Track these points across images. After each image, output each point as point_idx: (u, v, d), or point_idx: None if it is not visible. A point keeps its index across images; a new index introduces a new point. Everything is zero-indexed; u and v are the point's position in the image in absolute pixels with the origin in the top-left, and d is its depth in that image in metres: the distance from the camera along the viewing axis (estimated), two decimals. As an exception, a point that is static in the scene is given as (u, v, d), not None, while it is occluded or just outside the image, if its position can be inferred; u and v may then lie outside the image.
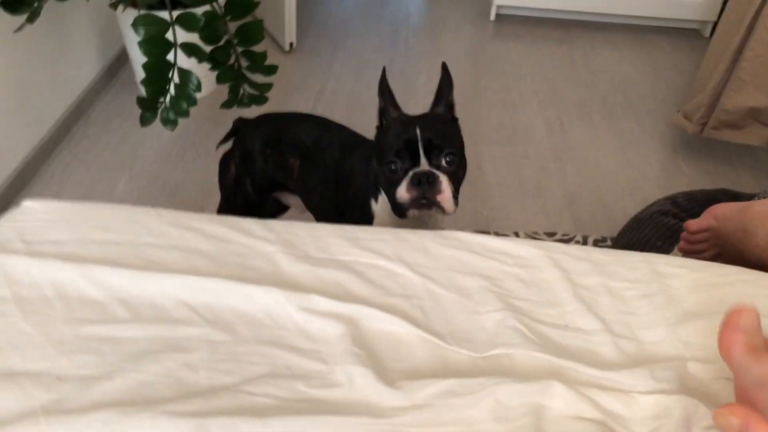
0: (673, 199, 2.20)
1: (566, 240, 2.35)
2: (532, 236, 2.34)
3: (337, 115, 1.48)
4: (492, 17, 4.04)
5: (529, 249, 1.06)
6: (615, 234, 2.24)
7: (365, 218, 1.47)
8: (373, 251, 1.05)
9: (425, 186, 1.26)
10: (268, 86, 2.49)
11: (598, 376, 0.85)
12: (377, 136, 1.36)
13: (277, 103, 3.02)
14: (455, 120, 1.42)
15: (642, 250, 2.00)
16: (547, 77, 3.48)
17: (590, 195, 2.62)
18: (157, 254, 1.00)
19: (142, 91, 2.21)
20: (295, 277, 0.98)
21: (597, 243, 2.35)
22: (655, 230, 2.08)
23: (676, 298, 0.98)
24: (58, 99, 2.67)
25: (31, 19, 2.03)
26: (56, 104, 2.65)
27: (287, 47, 3.45)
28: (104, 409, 0.77)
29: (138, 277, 0.94)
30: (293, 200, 1.75)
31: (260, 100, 2.50)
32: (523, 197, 2.57)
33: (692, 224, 1.38)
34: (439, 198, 1.26)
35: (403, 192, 1.27)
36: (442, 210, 1.29)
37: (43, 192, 2.42)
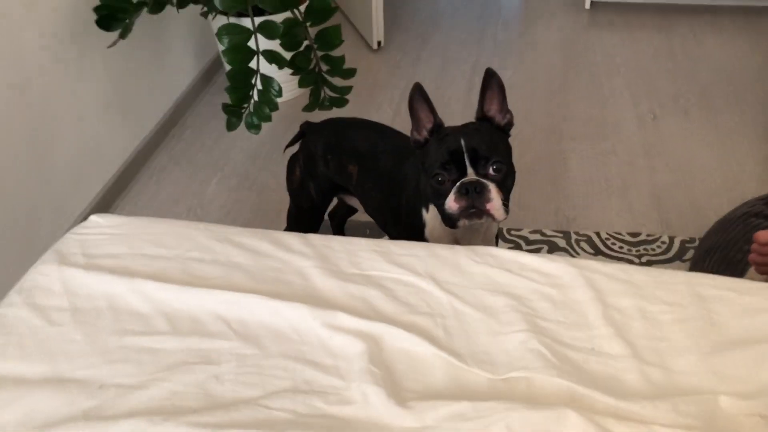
0: (767, 199, 2.06)
1: (651, 241, 2.25)
2: (615, 236, 2.25)
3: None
4: (587, 5, 3.89)
5: (563, 267, 1.04)
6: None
7: (417, 225, 1.48)
8: (404, 267, 1.06)
9: (473, 195, 1.25)
10: (348, 89, 2.53)
11: (617, 406, 0.83)
12: (422, 150, 1.38)
13: (363, 101, 3.07)
14: (509, 125, 1.39)
15: (728, 254, 1.88)
16: (642, 68, 3.32)
17: (681, 193, 2.49)
18: (200, 269, 1.06)
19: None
20: (325, 292, 1.02)
21: (684, 244, 2.24)
22: (743, 232, 1.95)
23: (716, 325, 0.93)
24: (157, 105, 2.84)
25: (123, 35, 2.18)
26: (155, 109, 2.83)
27: (375, 46, 3.49)
28: (136, 417, 0.84)
29: (181, 292, 1.01)
30: (355, 201, 1.80)
31: (341, 102, 2.55)
32: (608, 195, 2.48)
33: (762, 235, 1.30)
34: (489, 206, 1.26)
35: (451, 203, 1.27)
36: (492, 218, 1.29)
37: (143, 192, 2.60)
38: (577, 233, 2.28)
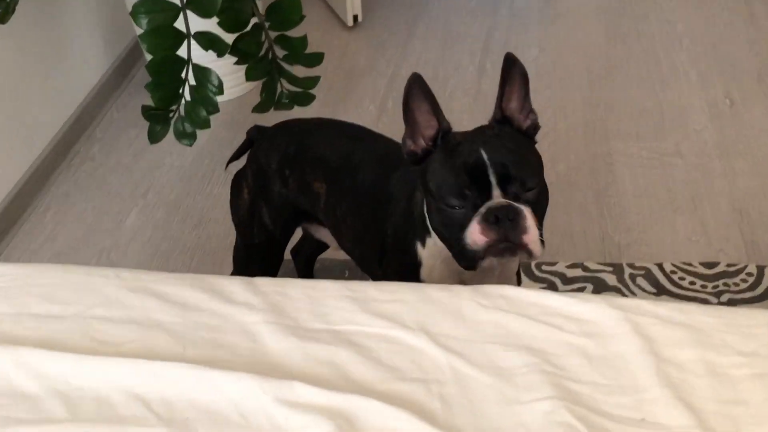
0: None
1: (732, 273, 2.27)
2: (683, 268, 2.28)
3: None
4: (635, -42, 3.97)
5: (601, 309, 1.06)
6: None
7: (409, 264, 1.50)
8: (387, 317, 1.08)
9: (506, 225, 1.27)
10: (314, 80, 2.55)
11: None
12: (422, 165, 1.40)
13: (336, 96, 3.11)
14: (534, 128, 1.42)
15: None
16: (713, 39, 3.37)
17: (772, 205, 2.53)
18: (108, 331, 1.08)
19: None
20: (279, 356, 1.03)
21: (779, 276, 2.26)
22: None
23: (810, 379, 0.95)
24: (54, 112, 2.85)
25: (2, 19, 2.20)
26: (51, 119, 2.84)
27: (350, 21, 3.54)
28: None
29: (81, 363, 1.03)
30: (326, 234, 1.83)
31: (304, 98, 2.57)
32: (673, 213, 2.51)
33: None
34: (526, 239, 1.27)
35: (477, 235, 1.27)
36: (529, 254, 1.30)
37: (36, 231, 2.60)
38: (631, 266, 2.30)
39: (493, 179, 1.29)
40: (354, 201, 1.63)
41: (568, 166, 2.73)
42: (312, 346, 1.05)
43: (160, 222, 2.62)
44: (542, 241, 1.31)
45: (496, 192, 1.29)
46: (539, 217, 1.33)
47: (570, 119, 2.96)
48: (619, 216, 2.55)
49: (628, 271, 2.28)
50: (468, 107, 3.02)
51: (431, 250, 1.46)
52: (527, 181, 1.31)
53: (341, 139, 1.71)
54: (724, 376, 0.97)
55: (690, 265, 2.32)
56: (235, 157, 1.84)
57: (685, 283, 2.24)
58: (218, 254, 2.40)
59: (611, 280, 2.25)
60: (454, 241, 1.33)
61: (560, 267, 2.31)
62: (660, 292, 2.21)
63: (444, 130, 1.39)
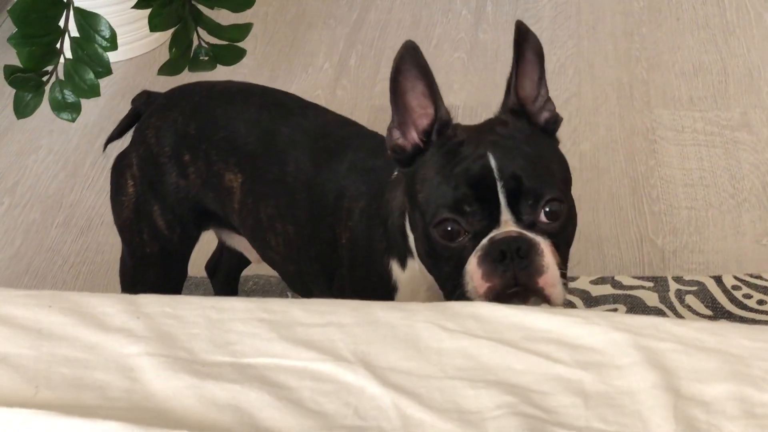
0: None
1: (817, 288, 2.29)
2: (750, 282, 2.29)
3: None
4: None
5: (603, 332, 1.07)
6: None
7: (379, 290, 1.52)
8: (316, 347, 1.09)
9: (515, 263, 1.32)
10: (244, 29, 2.55)
11: None
12: (411, 167, 1.43)
13: (281, 47, 3.10)
14: (553, 122, 1.47)
15: None
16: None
17: None
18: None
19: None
20: (165, 400, 1.04)
21: None
22: None
23: None
24: None
25: None
26: None
27: (299, -52, 3.56)
28: None
29: None
30: (241, 241, 1.85)
31: (230, 54, 2.57)
32: (737, 207, 2.52)
33: None
34: (542, 282, 1.32)
35: (477, 279, 1.33)
36: (546, 301, 1.34)
37: None
38: (679, 280, 2.32)
39: (502, 197, 1.34)
40: (285, 199, 1.64)
41: (596, 145, 2.74)
42: (210, 385, 1.05)
43: (34, 226, 2.62)
44: (565, 284, 1.37)
45: (506, 216, 1.34)
46: (563, 250, 1.40)
47: (599, 80, 2.98)
48: (664, 212, 2.56)
49: (674, 286, 2.30)
50: (460, 65, 3.03)
51: (413, 275, 1.48)
52: (549, 202, 1.35)
53: (262, 111, 1.73)
54: (766, 419, 0.99)
55: (760, 278, 2.33)
56: (116, 134, 1.85)
57: (751, 303, 2.26)
58: (113, 269, 2.40)
59: (651, 299, 2.26)
60: (445, 279, 1.39)
61: (583, 283, 2.33)
62: (717, 313, 2.23)
63: (442, 122, 1.42)
